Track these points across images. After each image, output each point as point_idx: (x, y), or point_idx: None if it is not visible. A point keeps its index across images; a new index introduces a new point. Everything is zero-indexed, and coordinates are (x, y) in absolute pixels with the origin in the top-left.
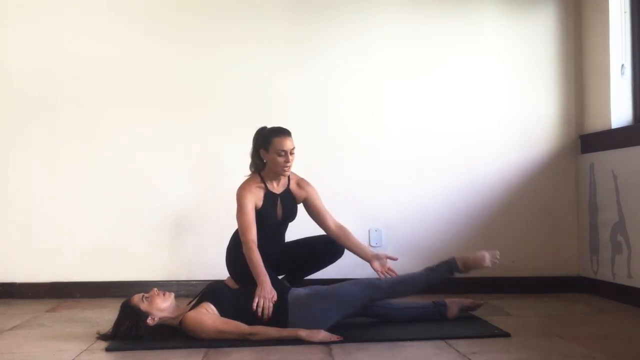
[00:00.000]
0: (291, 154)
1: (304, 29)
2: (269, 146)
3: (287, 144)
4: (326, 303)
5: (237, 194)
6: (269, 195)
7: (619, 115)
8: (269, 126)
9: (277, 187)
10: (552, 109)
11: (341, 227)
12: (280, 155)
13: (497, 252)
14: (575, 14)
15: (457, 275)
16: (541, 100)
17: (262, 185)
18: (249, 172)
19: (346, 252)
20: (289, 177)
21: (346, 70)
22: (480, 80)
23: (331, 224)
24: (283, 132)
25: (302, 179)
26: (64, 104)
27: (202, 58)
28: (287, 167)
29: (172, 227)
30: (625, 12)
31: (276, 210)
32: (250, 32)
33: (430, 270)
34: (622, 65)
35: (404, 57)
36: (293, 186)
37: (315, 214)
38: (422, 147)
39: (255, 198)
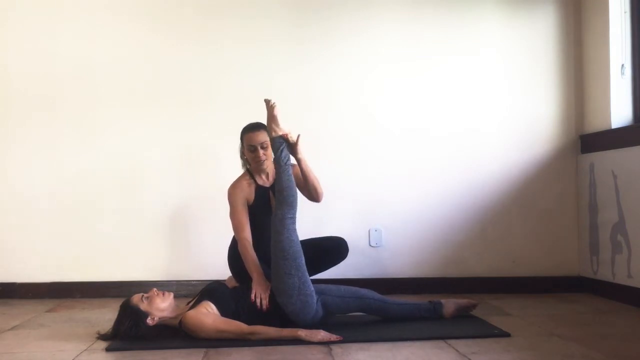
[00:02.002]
0: (263, 147)
1: (303, 29)
2: (243, 143)
3: (256, 138)
4: (281, 264)
5: (228, 194)
6: (260, 190)
7: (619, 115)
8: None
9: (267, 181)
10: (552, 109)
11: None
12: (251, 151)
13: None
14: (575, 14)
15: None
16: (541, 100)
17: (252, 181)
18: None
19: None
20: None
21: (345, 70)
22: (480, 80)
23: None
24: (252, 128)
25: None
26: (64, 104)
27: (201, 57)
28: (259, 161)
29: (172, 226)
30: (625, 12)
31: (270, 203)
32: (249, 32)
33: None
34: (622, 65)
35: (403, 57)
36: None
37: (300, 182)
38: (422, 147)
39: (245, 195)
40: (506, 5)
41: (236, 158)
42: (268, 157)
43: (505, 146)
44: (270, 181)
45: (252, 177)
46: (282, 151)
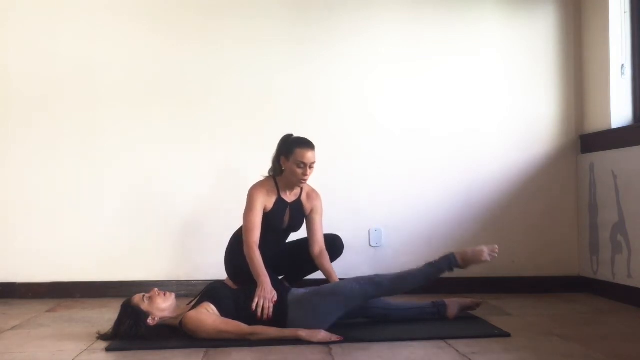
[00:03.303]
0: (310, 167)
1: (304, 29)
2: (290, 155)
3: (309, 156)
4: (325, 300)
5: (249, 193)
6: (279, 201)
7: (619, 115)
8: (295, 134)
9: (289, 196)
10: (552, 109)
11: (322, 252)
12: (299, 167)
13: (496, 247)
14: (575, 14)
15: (456, 270)
16: (541, 100)
17: (275, 190)
18: (250, 173)
19: (345, 252)
20: (302, 187)
21: (345, 70)
22: (480, 80)
23: (316, 246)
24: (307, 144)
25: (313, 191)
26: (65, 104)
27: (201, 57)
28: (304, 179)
29: (173, 226)
30: (625, 12)
31: (284, 217)
32: (249, 32)
33: (429, 265)
34: (622, 65)
35: (403, 57)
36: (304, 197)
37: (309, 228)
38: (422, 147)
39: (265, 200)
40: (506, 5)
41: (238, 159)
42: (308, 178)
43: (505, 146)
44: (291, 198)
45: (277, 186)
46: (448, 268)
